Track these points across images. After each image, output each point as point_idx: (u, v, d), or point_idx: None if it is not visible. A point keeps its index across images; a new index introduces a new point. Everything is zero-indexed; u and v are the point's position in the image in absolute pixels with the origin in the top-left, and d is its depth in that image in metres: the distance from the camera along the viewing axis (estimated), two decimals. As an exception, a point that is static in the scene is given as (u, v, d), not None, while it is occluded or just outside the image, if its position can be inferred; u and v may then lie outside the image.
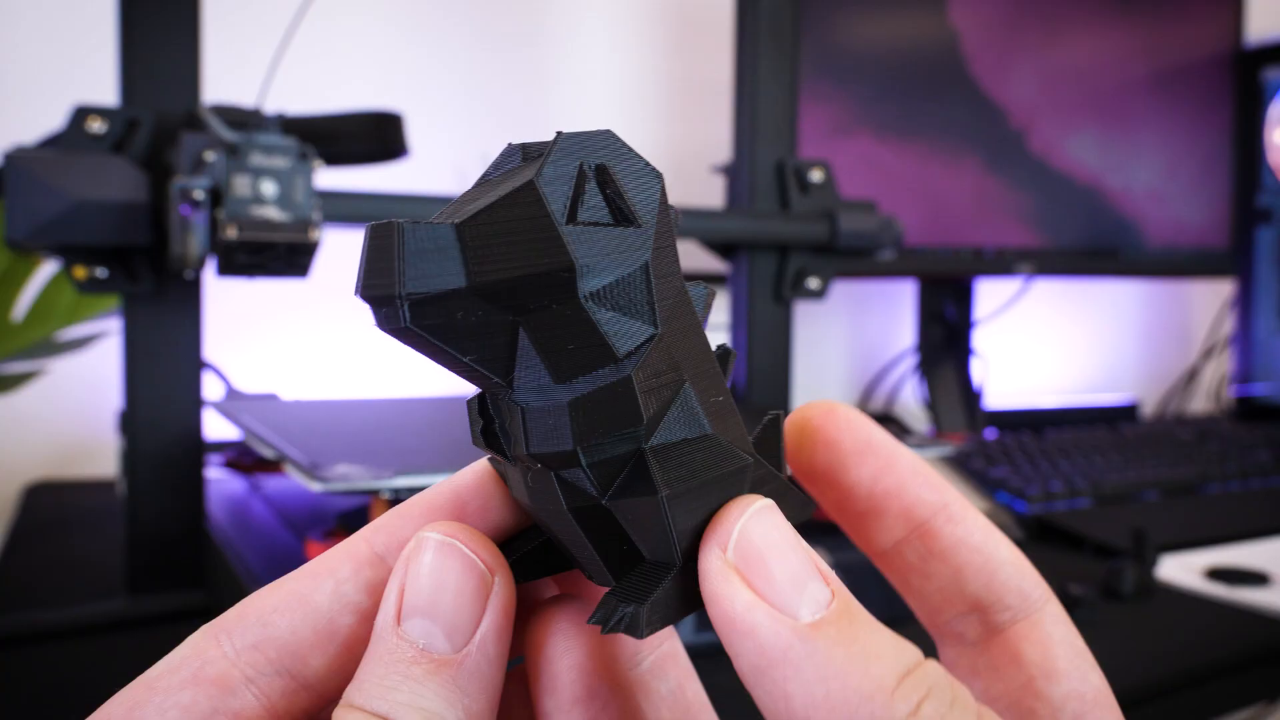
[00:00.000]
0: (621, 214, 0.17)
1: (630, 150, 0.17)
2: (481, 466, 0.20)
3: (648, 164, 0.17)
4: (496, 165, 0.18)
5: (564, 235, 0.16)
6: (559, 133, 0.17)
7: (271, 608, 0.19)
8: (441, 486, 0.20)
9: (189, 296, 0.61)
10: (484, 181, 0.18)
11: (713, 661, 0.25)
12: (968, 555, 0.21)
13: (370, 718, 0.17)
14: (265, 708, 0.18)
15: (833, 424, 0.22)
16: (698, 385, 0.18)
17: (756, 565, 0.17)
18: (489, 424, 0.19)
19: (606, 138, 0.17)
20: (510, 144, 0.18)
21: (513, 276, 0.16)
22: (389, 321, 0.17)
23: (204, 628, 0.19)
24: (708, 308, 0.19)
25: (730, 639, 0.17)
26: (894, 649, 0.16)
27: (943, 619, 0.22)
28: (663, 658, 0.22)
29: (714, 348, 0.19)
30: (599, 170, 0.17)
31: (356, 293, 0.17)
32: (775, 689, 0.16)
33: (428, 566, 0.18)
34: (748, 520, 0.17)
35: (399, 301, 0.16)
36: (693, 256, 0.99)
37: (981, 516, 0.22)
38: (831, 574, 0.17)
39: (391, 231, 0.16)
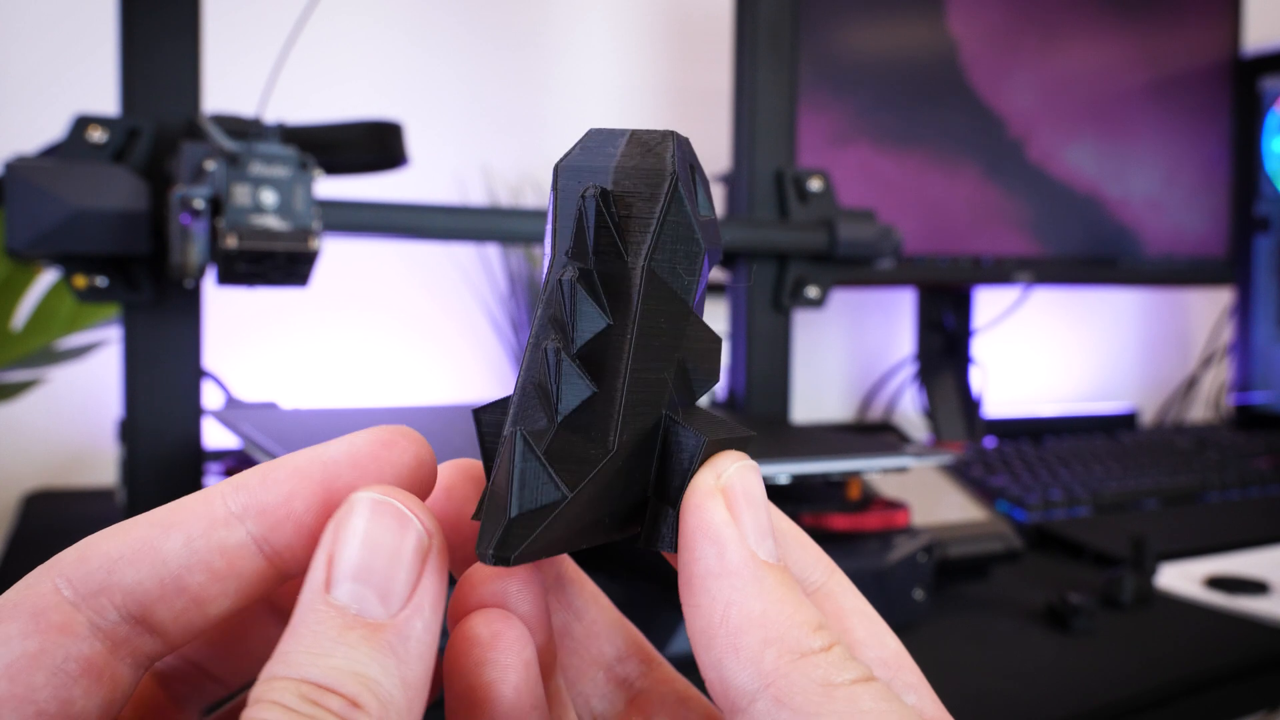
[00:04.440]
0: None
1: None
2: (357, 439, 0.20)
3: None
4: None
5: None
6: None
7: (117, 555, 0.18)
8: (310, 453, 0.19)
9: (189, 305, 0.61)
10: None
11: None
12: None
13: (300, 685, 0.16)
14: (111, 652, 0.18)
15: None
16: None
17: (736, 501, 0.19)
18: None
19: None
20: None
21: None
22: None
23: (38, 570, 0.18)
24: None
25: (697, 543, 0.19)
26: (817, 610, 0.19)
27: None
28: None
29: None
30: None
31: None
32: (720, 595, 0.18)
33: (359, 527, 0.17)
34: (739, 467, 0.19)
35: None
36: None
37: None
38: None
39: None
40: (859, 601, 0.21)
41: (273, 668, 0.17)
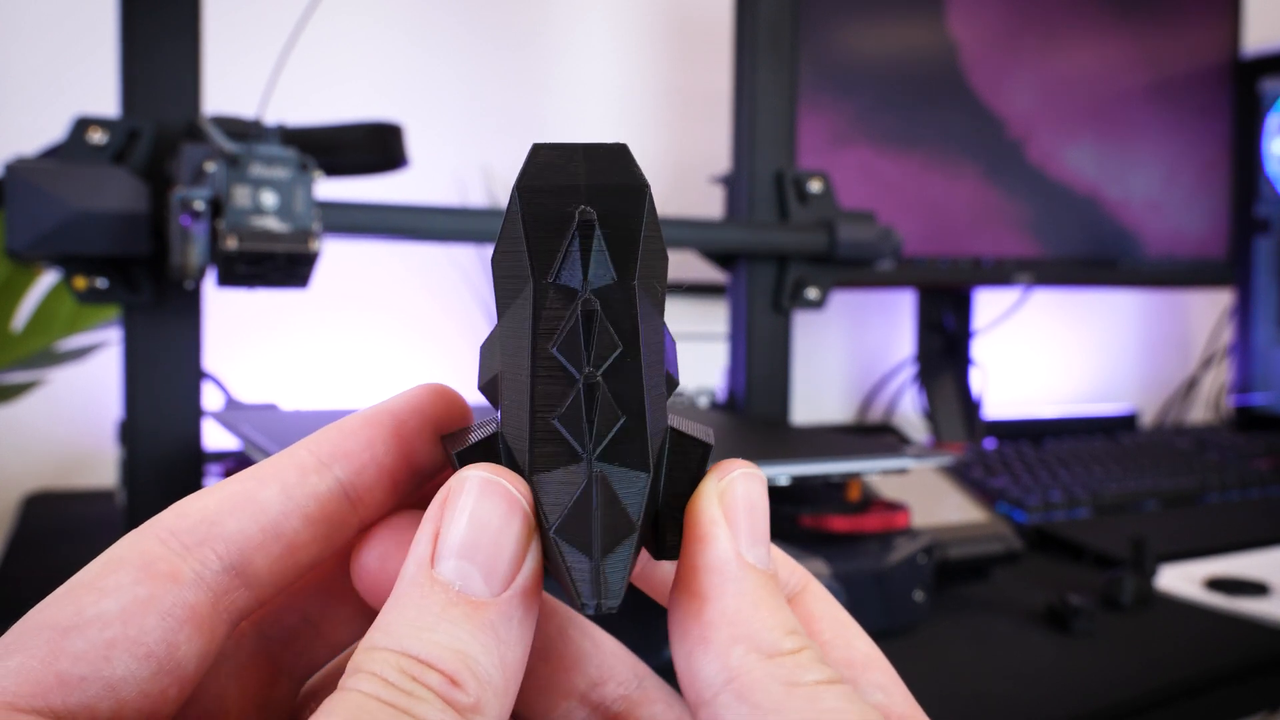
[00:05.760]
0: None
1: None
2: (411, 392, 0.21)
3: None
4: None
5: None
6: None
7: (216, 507, 0.19)
8: (379, 405, 0.21)
9: (189, 307, 0.61)
10: None
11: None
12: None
13: (401, 658, 0.16)
14: (212, 603, 0.18)
15: None
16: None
17: (733, 504, 0.19)
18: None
19: None
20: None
21: None
22: None
23: (140, 529, 0.19)
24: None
25: (688, 543, 0.19)
26: (795, 618, 0.19)
27: None
28: None
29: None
30: None
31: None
32: (699, 590, 0.19)
33: (467, 505, 0.18)
34: (742, 473, 0.20)
35: None
36: (692, 267, 0.99)
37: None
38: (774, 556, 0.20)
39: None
40: (829, 607, 0.22)
41: (373, 637, 0.17)
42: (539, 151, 0.19)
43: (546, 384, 0.19)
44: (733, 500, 0.19)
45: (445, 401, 0.21)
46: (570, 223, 0.19)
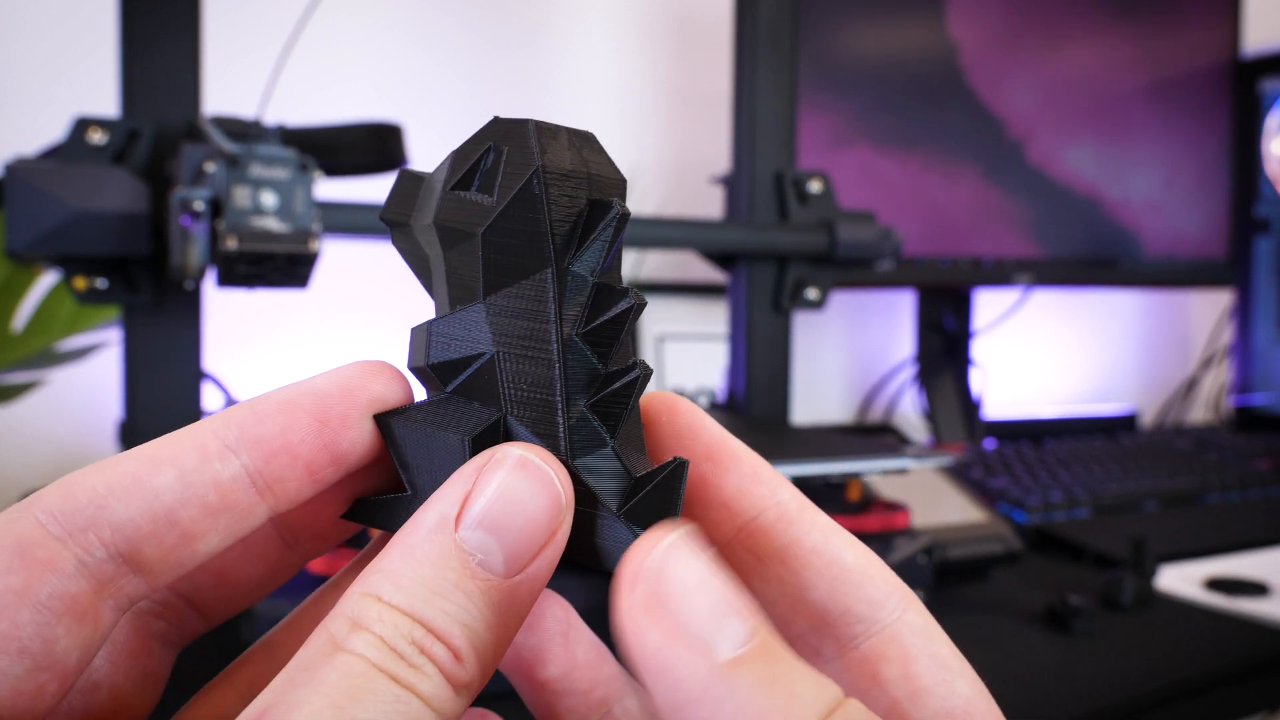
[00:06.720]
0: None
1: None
2: (344, 370, 0.19)
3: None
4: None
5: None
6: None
7: (106, 490, 0.17)
8: (299, 385, 0.19)
9: (189, 307, 0.61)
10: None
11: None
12: (805, 558, 0.20)
13: (413, 624, 0.16)
14: (95, 592, 0.17)
15: (656, 412, 0.21)
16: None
17: (670, 603, 0.16)
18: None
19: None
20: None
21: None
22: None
23: (17, 506, 0.17)
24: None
25: (645, 679, 0.16)
26: (814, 688, 0.16)
27: (793, 632, 0.20)
28: None
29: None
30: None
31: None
32: None
33: (503, 481, 0.17)
34: (660, 556, 0.16)
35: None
36: (692, 267, 0.99)
37: (824, 517, 0.20)
38: (753, 607, 0.16)
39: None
40: (929, 642, 0.19)
41: (381, 586, 0.16)
42: (545, 131, 0.18)
43: (574, 369, 0.18)
44: (668, 602, 0.16)
45: (382, 380, 0.19)
46: (582, 211, 0.18)
